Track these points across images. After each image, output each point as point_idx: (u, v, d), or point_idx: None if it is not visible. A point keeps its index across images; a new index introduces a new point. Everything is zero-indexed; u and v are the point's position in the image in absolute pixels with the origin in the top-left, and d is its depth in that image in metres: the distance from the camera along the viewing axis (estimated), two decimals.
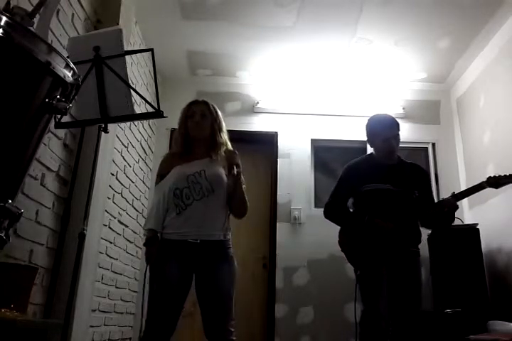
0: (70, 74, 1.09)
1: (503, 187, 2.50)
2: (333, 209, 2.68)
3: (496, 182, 2.47)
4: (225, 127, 2.31)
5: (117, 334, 3.39)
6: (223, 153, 2.20)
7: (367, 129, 2.73)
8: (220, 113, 2.31)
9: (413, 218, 2.56)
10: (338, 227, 2.69)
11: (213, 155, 2.18)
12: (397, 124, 2.67)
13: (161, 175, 2.22)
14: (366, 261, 2.54)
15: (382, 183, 2.59)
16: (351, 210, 2.73)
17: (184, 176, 2.11)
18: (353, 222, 2.61)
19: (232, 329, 2.01)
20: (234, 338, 2.01)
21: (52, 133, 2.29)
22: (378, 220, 2.49)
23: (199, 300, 2.05)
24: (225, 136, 2.27)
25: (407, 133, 4.42)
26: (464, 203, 4.17)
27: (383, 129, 2.64)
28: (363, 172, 2.65)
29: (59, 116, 1.94)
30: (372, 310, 2.46)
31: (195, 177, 2.11)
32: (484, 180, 2.50)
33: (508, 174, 2.47)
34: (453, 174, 4.34)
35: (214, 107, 2.30)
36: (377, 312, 2.44)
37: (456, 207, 2.51)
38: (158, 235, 2.10)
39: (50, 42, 1.86)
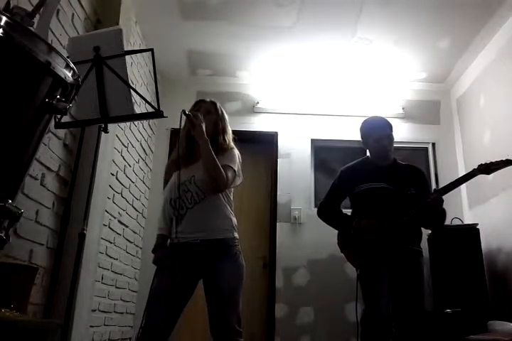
0: (70, 75, 1.09)
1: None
2: (325, 210, 2.74)
3: (486, 168, 2.49)
4: (230, 130, 2.25)
5: (117, 334, 3.39)
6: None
7: (360, 132, 2.78)
8: (226, 115, 2.26)
9: (409, 215, 2.56)
10: None
11: None
12: (389, 125, 2.70)
13: (165, 181, 2.25)
14: (366, 261, 2.54)
15: (377, 182, 2.61)
16: (349, 211, 2.74)
17: (176, 186, 2.09)
18: (343, 225, 2.64)
19: (240, 329, 1.95)
20: (241, 339, 1.94)
21: (52, 133, 2.29)
22: (364, 221, 2.50)
23: (206, 298, 2.03)
24: (228, 138, 2.21)
25: (407, 133, 4.43)
26: (464, 203, 4.17)
27: (374, 130, 2.69)
28: (358, 174, 2.68)
29: (59, 116, 1.94)
30: (373, 309, 2.47)
31: (186, 185, 2.09)
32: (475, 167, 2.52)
33: (498, 160, 2.48)
34: (453, 174, 4.30)
35: (221, 107, 2.26)
36: (378, 311, 2.45)
37: (439, 201, 2.46)
38: (167, 242, 2.14)
39: (50, 42, 1.86)
